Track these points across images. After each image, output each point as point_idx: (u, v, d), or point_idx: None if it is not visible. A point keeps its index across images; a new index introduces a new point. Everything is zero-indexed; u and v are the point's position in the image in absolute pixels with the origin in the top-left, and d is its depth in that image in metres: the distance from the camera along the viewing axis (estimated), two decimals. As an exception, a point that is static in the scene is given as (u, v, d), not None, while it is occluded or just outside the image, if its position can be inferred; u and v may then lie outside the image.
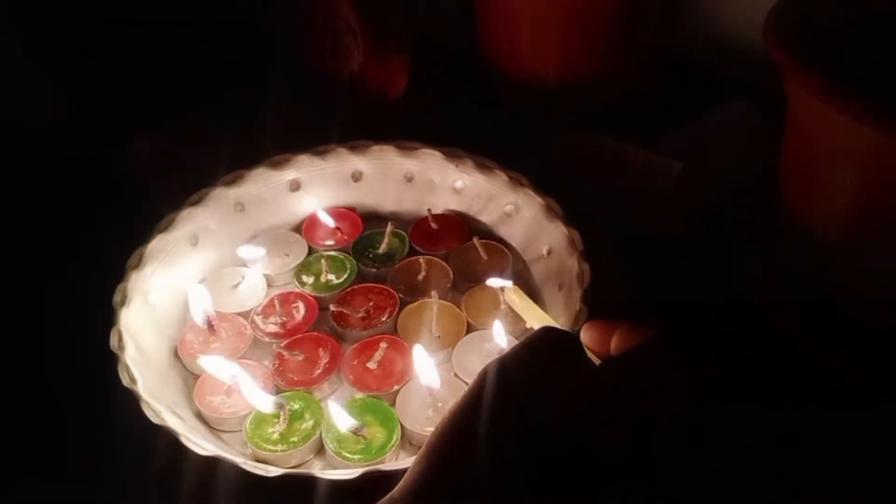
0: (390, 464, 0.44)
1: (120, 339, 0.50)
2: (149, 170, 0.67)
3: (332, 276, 0.59)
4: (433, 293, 0.56)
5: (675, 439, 0.32)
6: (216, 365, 0.49)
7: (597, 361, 0.39)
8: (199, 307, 0.54)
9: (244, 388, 0.48)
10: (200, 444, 0.44)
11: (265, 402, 0.48)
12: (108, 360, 0.48)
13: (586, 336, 0.40)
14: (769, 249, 0.60)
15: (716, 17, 0.75)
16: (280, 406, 0.48)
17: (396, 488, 0.34)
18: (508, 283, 0.53)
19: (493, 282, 0.54)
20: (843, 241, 0.55)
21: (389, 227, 0.61)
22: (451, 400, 0.50)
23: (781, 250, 0.59)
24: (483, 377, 0.35)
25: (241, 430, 0.50)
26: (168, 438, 0.45)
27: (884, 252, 0.53)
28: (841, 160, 0.53)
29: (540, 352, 0.37)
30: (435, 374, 0.50)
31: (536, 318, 0.49)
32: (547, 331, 0.39)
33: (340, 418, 0.48)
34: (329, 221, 0.62)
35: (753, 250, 0.60)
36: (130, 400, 0.46)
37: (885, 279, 0.54)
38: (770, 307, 0.57)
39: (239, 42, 0.72)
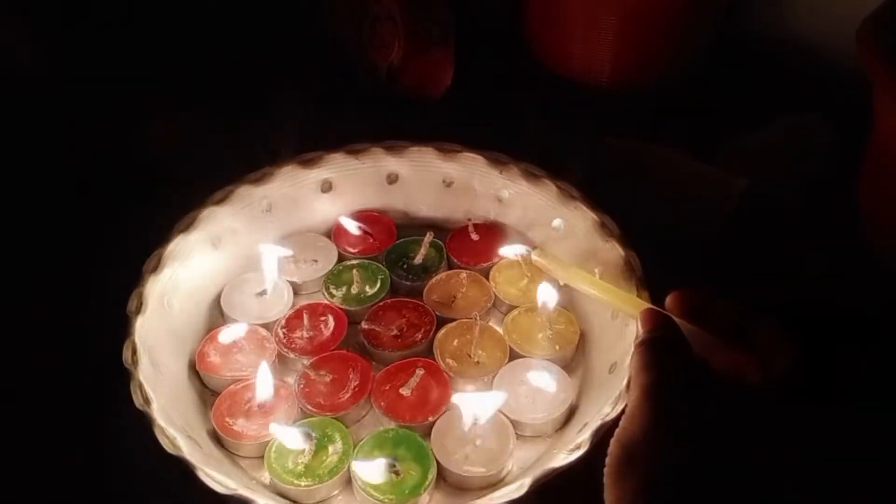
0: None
1: (134, 352, 0.45)
2: (167, 156, 0.62)
3: (363, 288, 0.55)
4: (475, 314, 0.51)
5: None
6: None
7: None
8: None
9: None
10: (219, 479, 0.39)
11: (294, 438, 0.44)
12: (122, 374, 0.44)
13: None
14: (844, 264, 0.55)
15: (784, 22, 0.69)
16: (307, 436, 0.44)
17: None
18: (525, 249, 0.52)
19: (509, 250, 0.53)
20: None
21: (428, 237, 0.57)
22: (491, 435, 0.46)
23: (858, 265, 0.54)
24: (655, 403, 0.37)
25: (261, 458, 0.46)
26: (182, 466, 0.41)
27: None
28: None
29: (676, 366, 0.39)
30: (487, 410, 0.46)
31: (572, 276, 0.48)
32: (659, 336, 0.41)
33: (371, 472, 0.44)
34: (353, 229, 0.58)
35: (827, 266, 0.55)
36: (143, 421, 0.42)
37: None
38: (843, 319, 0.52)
39: (271, 30, 0.67)
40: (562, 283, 0.51)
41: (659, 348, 0.40)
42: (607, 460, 0.37)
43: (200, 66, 0.64)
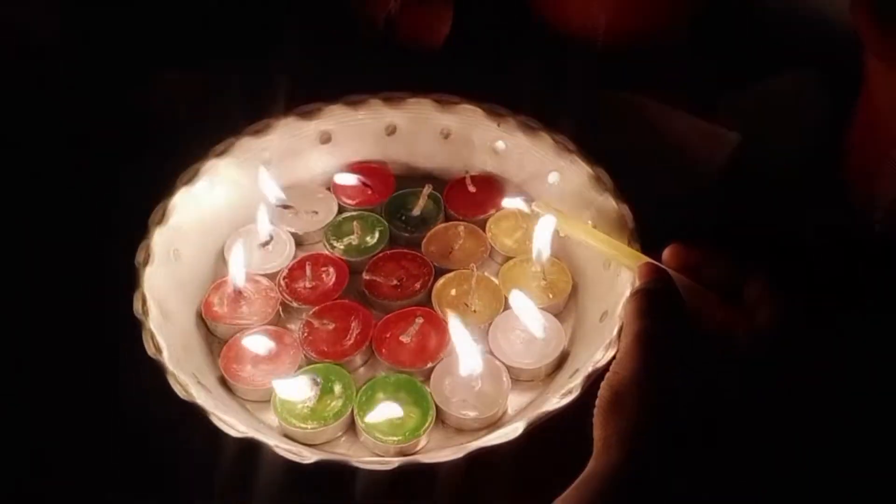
0: (429, 454, 0.42)
1: (144, 302, 0.47)
2: (173, 111, 0.63)
3: (363, 239, 0.56)
4: (472, 265, 0.53)
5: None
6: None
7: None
8: (238, 267, 0.52)
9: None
10: (231, 423, 0.42)
11: (300, 388, 0.47)
12: (133, 325, 0.46)
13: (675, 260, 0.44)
14: (835, 219, 0.56)
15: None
16: (313, 381, 0.47)
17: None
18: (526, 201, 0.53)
19: (511, 202, 0.53)
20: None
21: (427, 190, 0.58)
22: (487, 380, 0.48)
23: (845, 220, 0.56)
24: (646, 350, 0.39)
25: (267, 402, 0.48)
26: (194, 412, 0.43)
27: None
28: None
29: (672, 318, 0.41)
30: (478, 360, 0.48)
31: (572, 227, 0.50)
32: (654, 287, 0.43)
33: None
34: (351, 181, 0.59)
35: (819, 221, 0.56)
36: (156, 370, 0.44)
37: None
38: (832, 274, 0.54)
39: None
40: (562, 234, 0.53)
41: (653, 298, 0.42)
42: (597, 402, 0.39)
43: (197, 18, 0.64)
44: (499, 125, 0.58)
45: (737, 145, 0.58)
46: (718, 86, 0.63)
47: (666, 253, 0.45)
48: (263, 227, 0.55)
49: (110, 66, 0.61)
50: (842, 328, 0.44)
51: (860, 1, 0.46)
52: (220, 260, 0.55)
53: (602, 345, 0.46)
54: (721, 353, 0.41)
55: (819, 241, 0.55)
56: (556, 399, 0.43)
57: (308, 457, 0.41)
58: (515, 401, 0.49)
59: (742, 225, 0.56)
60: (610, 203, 0.53)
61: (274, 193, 0.56)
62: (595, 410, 0.39)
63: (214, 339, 0.52)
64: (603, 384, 0.40)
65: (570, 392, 0.43)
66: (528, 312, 0.50)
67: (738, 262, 0.43)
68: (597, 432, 0.38)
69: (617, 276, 0.50)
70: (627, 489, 0.36)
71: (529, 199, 0.54)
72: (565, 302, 0.53)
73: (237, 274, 0.52)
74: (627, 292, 0.47)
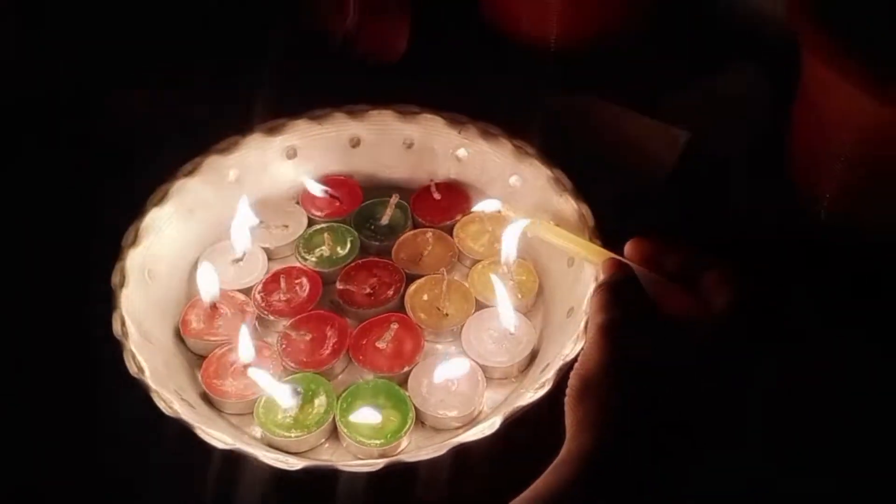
0: (412, 454, 0.44)
1: (123, 323, 0.48)
2: (138, 126, 0.63)
3: (334, 250, 0.58)
4: (442, 270, 0.55)
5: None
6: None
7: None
8: (208, 285, 0.52)
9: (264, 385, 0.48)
10: (217, 436, 0.43)
11: (286, 396, 0.48)
12: (112, 347, 0.47)
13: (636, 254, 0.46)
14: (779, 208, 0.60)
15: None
16: (296, 392, 0.48)
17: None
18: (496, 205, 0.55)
19: (482, 206, 0.55)
20: (844, 206, 0.56)
21: (394, 199, 0.59)
22: (463, 380, 0.50)
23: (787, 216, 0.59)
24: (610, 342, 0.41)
25: (250, 413, 0.49)
26: (179, 428, 0.44)
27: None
28: (848, 134, 0.53)
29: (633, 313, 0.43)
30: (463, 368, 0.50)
31: (539, 229, 0.52)
32: (616, 280, 0.45)
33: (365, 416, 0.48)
34: (318, 191, 0.60)
35: (763, 210, 0.60)
36: (138, 389, 0.45)
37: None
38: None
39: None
40: (529, 235, 0.55)
41: (615, 291, 0.44)
42: (567, 391, 0.41)
43: (159, 38, 0.65)
44: (459, 133, 0.60)
45: (686, 142, 0.61)
46: (665, 84, 0.66)
47: (627, 247, 0.47)
48: (240, 244, 0.56)
49: (72, 86, 0.62)
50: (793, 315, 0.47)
51: (798, 6, 0.49)
52: (194, 278, 0.56)
53: (570, 339, 0.48)
54: (681, 340, 0.43)
55: (765, 232, 0.59)
56: (531, 393, 0.45)
57: (295, 464, 0.42)
58: (491, 398, 0.51)
59: (694, 218, 0.59)
60: (570, 203, 0.55)
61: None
62: (566, 399, 0.41)
63: (193, 355, 0.53)
64: (572, 374, 0.42)
65: (542, 386, 0.46)
66: (502, 301, 0.52)
67: (695, 253, 0.46)
68: (568, 420, 0.40)
69: (580, 272, 0.52)
70: (597, 473, 0.38)
71: (499, 204, 0.55)
72: (533, 301, 0.56)
73: (207, 292, 0.53)
74: (591, 288, 0.49)
